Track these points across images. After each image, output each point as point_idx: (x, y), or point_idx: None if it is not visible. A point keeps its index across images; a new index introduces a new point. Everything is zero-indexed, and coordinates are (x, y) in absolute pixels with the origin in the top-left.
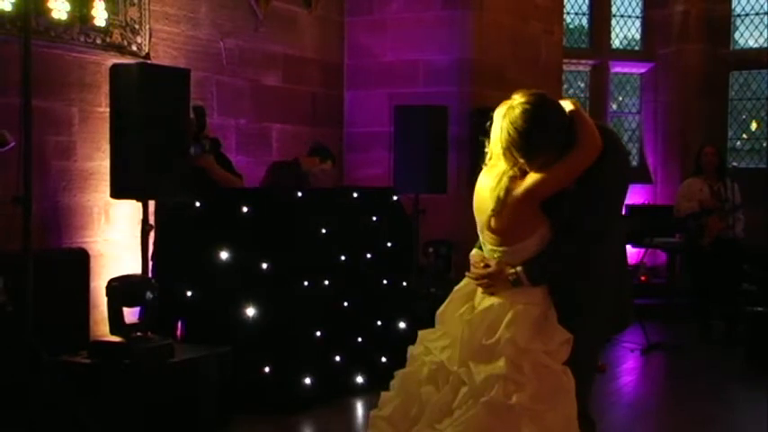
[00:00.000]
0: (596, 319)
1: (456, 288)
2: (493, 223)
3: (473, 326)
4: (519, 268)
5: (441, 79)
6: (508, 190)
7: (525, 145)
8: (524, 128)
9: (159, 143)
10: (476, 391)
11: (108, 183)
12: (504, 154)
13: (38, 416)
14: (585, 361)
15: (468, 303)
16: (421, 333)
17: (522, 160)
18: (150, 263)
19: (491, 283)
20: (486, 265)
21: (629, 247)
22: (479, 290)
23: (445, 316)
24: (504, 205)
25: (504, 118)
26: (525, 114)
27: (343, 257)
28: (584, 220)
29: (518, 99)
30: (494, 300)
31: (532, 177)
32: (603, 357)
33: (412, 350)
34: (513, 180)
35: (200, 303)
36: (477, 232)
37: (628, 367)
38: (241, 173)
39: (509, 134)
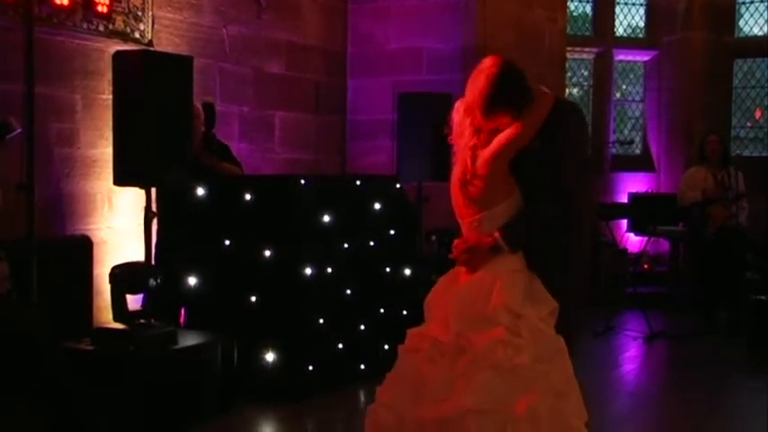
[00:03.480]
0: (574, 288)
1: (440, 279)
2: (468, 191)
3: (461, 298)
4: (496, 234)
5: (444, 67)
6: (476, 156)
7: (485, 102)
8: (486, 87)
9: (162, 130)
10: (478, 357)
11: (111, 170)
12: (467, 112)
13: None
14: (565, 329)
15: (452, 286)
16: (410, 331)
17: (480, 115)
18: (153, 250)
19: (472, 256)
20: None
21: (632, 236)
22: (462, 272)
23: (432, 303)
24: (475, 171)
25: (472, 80)
26: (489, 77)
27: (346, 245)
28: (556, 179)
29: (486, 63)
30: (478, 273)
31: (497, 138)
32: (606, 347)
33: (402, 348)
34: (477, 148)
35: (203, 290)
36: None
37: (630, 356)
38: (240, 160)
39: (473, 94)
